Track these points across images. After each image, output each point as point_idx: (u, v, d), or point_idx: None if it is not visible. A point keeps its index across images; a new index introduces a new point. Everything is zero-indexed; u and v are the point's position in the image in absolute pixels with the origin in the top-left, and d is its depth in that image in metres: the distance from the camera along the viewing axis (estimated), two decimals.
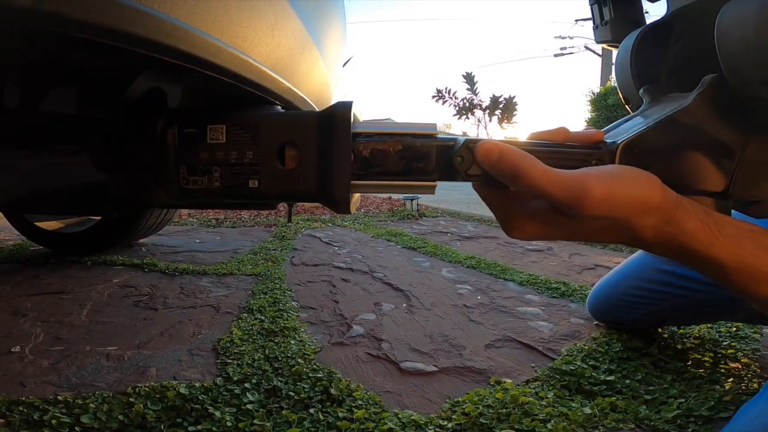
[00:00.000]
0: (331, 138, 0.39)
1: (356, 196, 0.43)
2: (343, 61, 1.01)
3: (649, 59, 0.59)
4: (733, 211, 0.44)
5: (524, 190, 0.36)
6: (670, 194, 0.36)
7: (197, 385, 0.84)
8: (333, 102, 0.41)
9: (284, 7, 0.46)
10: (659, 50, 0.58)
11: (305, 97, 0.61)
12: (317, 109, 0.70)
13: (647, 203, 0.35)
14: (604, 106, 10.00)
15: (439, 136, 0.40)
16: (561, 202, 0.34)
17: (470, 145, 0.38)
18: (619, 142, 0.41)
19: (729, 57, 0.41)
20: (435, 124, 0.41)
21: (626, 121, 0.48)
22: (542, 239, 0.40)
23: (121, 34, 0.25)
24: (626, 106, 0.62)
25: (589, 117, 10.71)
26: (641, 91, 0.54)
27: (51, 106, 0.46)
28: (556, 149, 0.40)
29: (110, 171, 0.45)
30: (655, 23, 0.60)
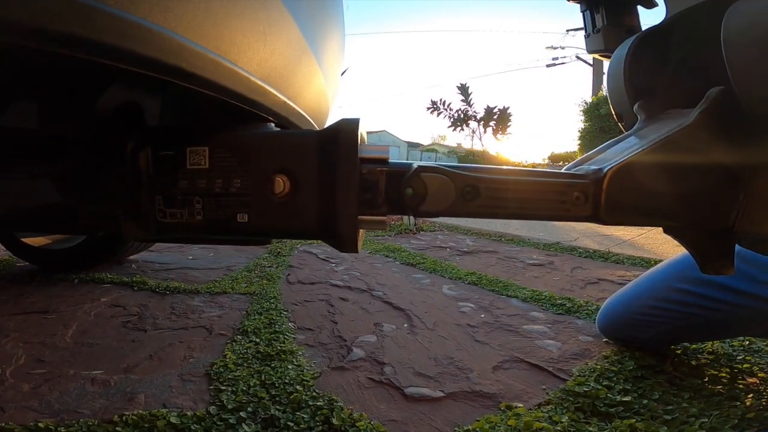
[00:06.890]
0: (334, 163, 0.33)
1: (362, 231, 0.37)
2: (341, 70, 0.98)
3: (644, 70, 0.52)
4: (738, 246, 0.38)
5: None
6: None
7: (189, 413, 0.79)
8: (330, 115, 0.36)
9: (278, 7, 0.41)
10: (656, 60, 0.52)
11: (302, 112, 0.56)
12: (315, 126, 0.65)
13: None
14: (597, 116, 10.09)
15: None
16: None
17: (423, 174, 0.32)
18: (606, 169, 0.35)
19: (738, 64, 0.35)
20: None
21: (617, 142, 0.42)
22: None
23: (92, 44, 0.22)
24: (619, 123, 0.56)
25: (582, 127, 10.80)
26: (635, 106, 0.48)
27: (12, 122, 0.41)
28: (535, 179, 0.35)
29: (78, 198, 0.38)
30: (651, 29, 0.53)
